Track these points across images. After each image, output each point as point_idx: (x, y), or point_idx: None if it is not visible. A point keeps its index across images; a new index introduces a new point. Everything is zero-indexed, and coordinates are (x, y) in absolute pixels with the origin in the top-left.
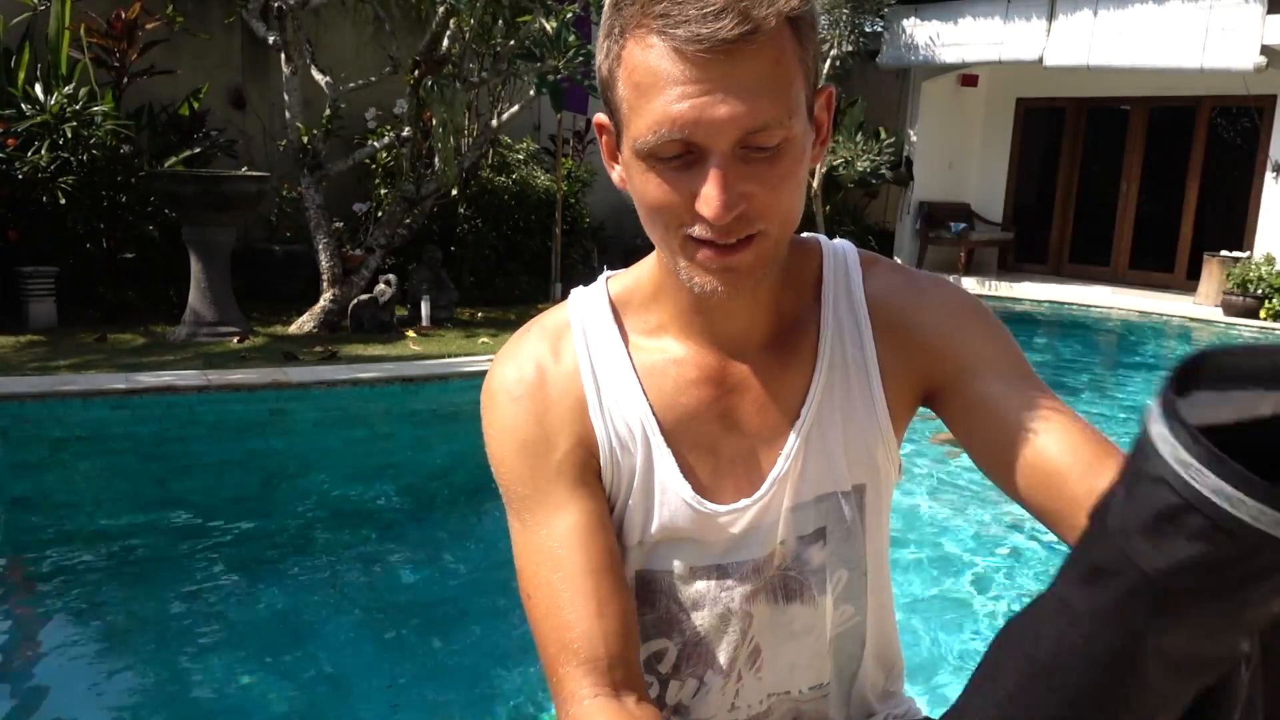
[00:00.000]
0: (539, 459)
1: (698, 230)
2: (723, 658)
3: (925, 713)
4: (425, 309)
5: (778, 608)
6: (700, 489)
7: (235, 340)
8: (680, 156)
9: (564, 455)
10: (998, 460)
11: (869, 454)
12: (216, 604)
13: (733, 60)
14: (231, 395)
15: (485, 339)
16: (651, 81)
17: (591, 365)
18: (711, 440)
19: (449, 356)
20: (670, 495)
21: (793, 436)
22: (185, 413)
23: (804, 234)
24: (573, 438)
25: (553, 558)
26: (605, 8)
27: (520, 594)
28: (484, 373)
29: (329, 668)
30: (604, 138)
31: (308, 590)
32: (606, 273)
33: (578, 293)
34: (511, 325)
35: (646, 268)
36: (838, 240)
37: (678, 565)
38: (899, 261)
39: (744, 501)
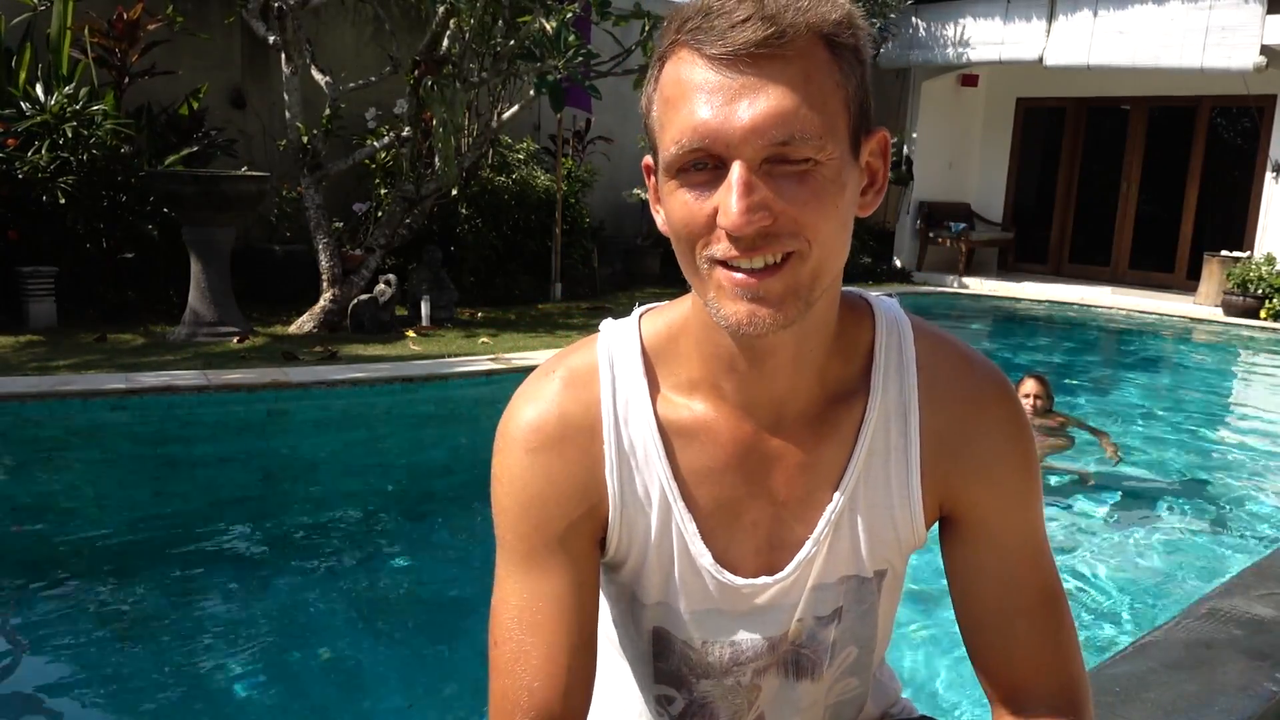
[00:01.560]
0: (541, 522)
1: (721, 249)
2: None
3: (920, 711)
4: (425, 309)
5: (787, 683)
6: (720, 555)
7: (235, 340)
8: (705, 169)
9: (568, 525)
10: (959, 609)
11: (896, 542)
12: (217, 603)
13: (758, 68)
14: (231, 395)
15: (485, 339)
16: (679, 93)
17: (615, 420)
18: (736, 505)
19: (449, 356)
20: (690, 561)
21: (823, 520)
22: (185, 413)
23: (846, 288)
24: (582, 505)
25: (531, 619)
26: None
27: (489, 634)
28: (484, 373)
29: (329, 666)
30: (650, 180)
31: (308, 589)
32: (640, 308)
33: (609, 330)
34: (511, 325)
35: (681, 316)
36: (888, 301)
37: (693, 636)
38: (947, 334)
39: (765, 579)
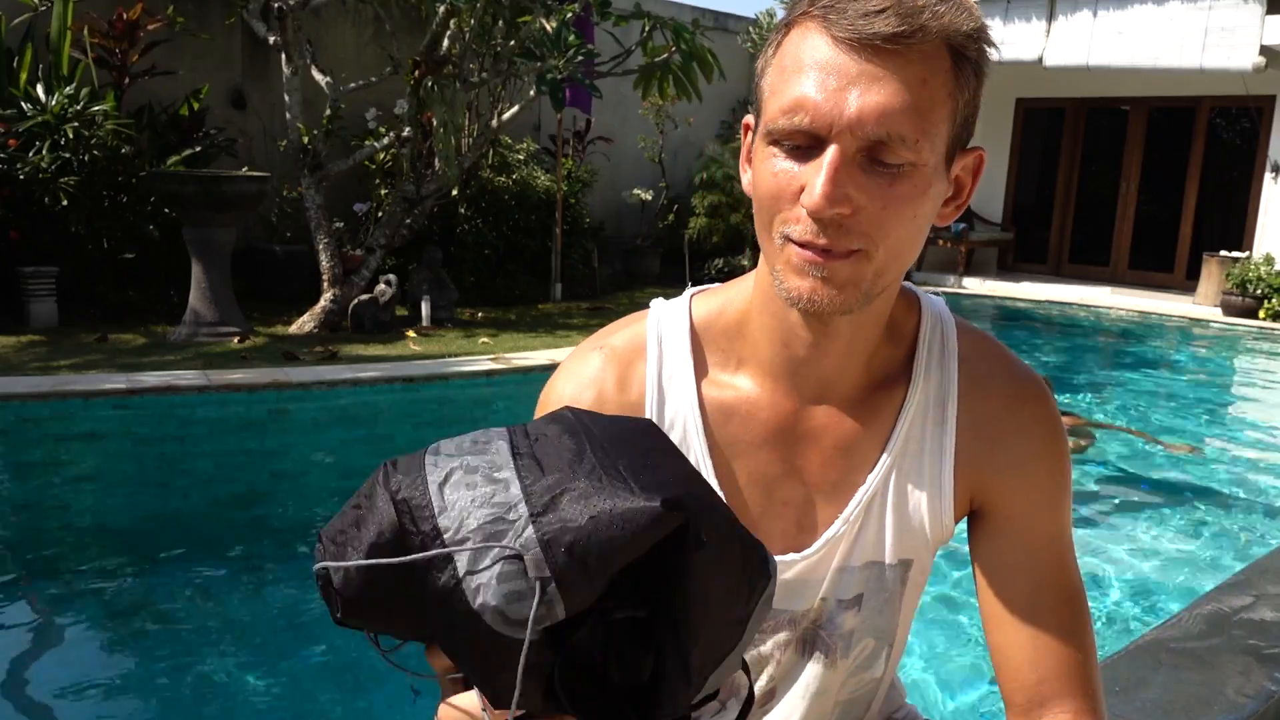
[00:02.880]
0: None
1: (797, 230)
2: (744, 691)
3: (924, 718)
4: (425, 309)
5: (801, 660)
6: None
7: (236, 340)
8: (801, 147)
9: None
10: (984, 603)
11: (924, 532)
12: (218, 602)
13: (879, 60)
14: (232, 395)
15: (485, 339)
16: (796, 65)
17: (658, 396)
18: (768, 483)
19: (449, 356)
20: None
21: (854, 501)
22: (186, 413)
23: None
24: None
25: None
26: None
27: None
28: (484, 373)
29: (331, 665)
30: (746, 138)
31: (309, 588)
32: (691, 289)
33: (659, 308)
34: (511, 325)
35: (737, 293)
36: (933, 297)
37: None
38: (989, 334)
39: (792, 555)
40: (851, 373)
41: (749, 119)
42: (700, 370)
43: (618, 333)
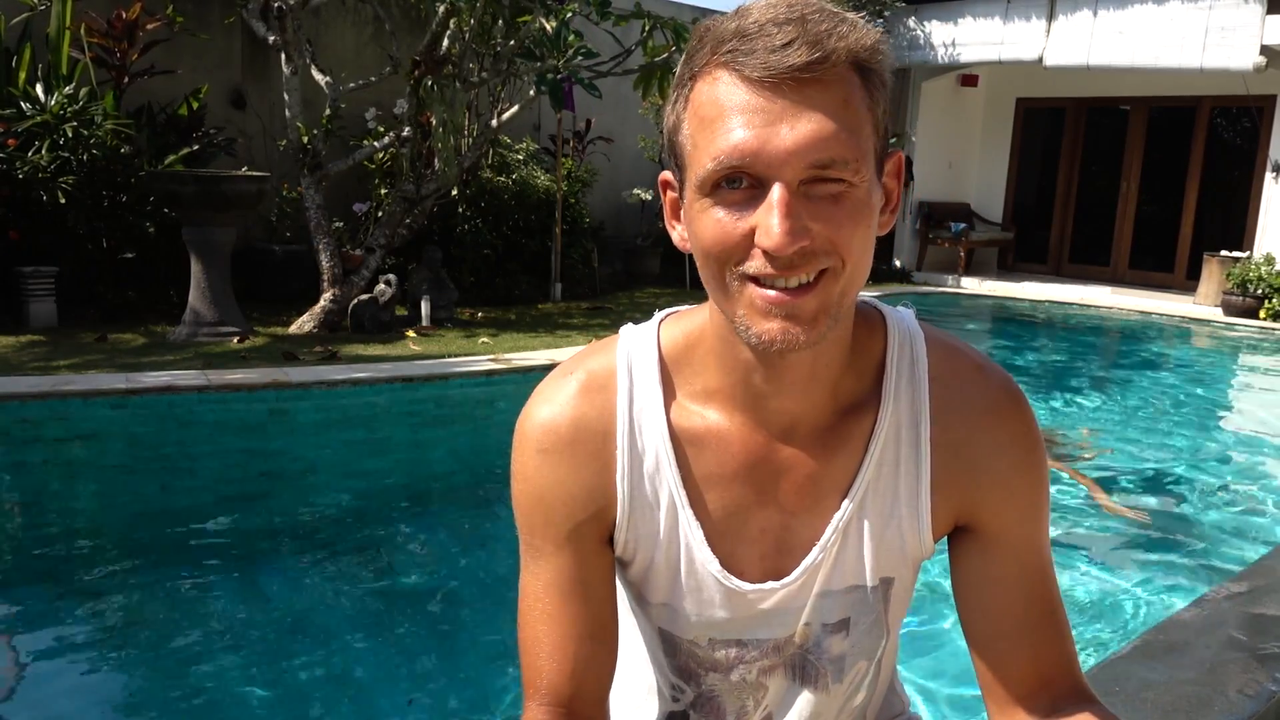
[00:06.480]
0: (550, 520)
1: (755, 266)
2: (733, 718)
3: None
4: (425, 309)
5: (792, 687)
6: (726, 560)
7: (235, 340)
8: (741, 189)
9: (575, 525)
10: (968, 620)
11: (903, 552)
12: (217, 602)
13: (800, 91)
14: (231, 395)
15: (485, 339)
16: (716, 113)
17: (630, 426)
18: (744, 513)
19: (449, 356)
20: (697, 566)
21: (831, 527)
22: (185, 413)
23: (861, 296)
24: (589, 508)
25: (542, 609)
26: (678, 69)
27: (518, 615)
28: (484, 373)
29: (329, 666)
30: (668, 196)
31: (308, 588)
32: (660, 313)
33: (629, 335)
34: (511, 325)
35: (700, 325)
36: (902, 311)
37: (700, 636)
38: (960, 344)
39: (772, 584)
40: (818, 403)
41: (666, 175)
42: (669, 400)
43: (592, 358)
